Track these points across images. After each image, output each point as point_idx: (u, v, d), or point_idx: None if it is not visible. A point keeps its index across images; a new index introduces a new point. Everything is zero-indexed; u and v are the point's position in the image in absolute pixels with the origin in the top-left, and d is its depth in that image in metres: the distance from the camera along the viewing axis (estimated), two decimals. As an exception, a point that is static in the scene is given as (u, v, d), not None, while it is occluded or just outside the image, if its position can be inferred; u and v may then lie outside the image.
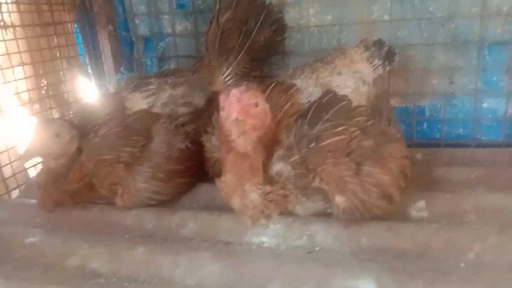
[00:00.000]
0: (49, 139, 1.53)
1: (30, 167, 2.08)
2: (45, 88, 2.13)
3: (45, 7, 2.08)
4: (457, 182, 1.64)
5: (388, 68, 1.90)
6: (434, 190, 1.57)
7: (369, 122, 1.41)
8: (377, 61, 1.86)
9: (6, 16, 1.89)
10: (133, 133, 1.61)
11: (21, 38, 1.95)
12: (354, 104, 1.51)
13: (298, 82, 1.62)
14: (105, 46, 2.40)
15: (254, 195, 1.38)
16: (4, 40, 1.87)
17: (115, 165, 1.56)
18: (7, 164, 1.92)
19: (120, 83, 1.96)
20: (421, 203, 1.48)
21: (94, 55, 2.45)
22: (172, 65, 2.41)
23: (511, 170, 1.70)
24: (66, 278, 1.27)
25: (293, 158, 1.37)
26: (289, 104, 1.50)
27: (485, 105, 2.07)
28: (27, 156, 1.54)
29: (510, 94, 2.00)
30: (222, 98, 1.28)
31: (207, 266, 1.22)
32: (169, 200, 1.64)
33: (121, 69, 2.40)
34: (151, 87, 1.82)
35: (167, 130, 1.66)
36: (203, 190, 1.69)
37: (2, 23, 1.86)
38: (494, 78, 2.03)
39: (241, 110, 1.24)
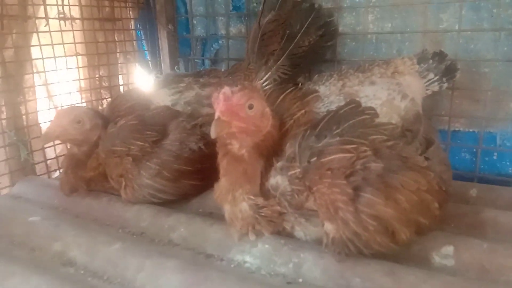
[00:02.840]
0: (69, 124, 1.58)
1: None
2: (98, 79, 2.22)
3: (106, 2, 2.19)
4: (509, 230, 1.31)
5: (445, 85, 1.64)
6: (472, 235, 1.27)
7: (389, 143, 1.18)
8: (432, 76, 1.62)
9: (66, 9, 2.01)
10: (148, 128, 1.58)
11: (78, 30, 2.06)
12: (380, 119, 1.29)
13: (322, 89, 1.44)
14: (164, 44, 2.45)
15: (244, 205, 1.25)
16: (61, 31, 1.99)
17: (124, 157, 1.54)
18: (50, 147, 2.03)
19: (159, 79, 1.97)
20: (449, 249, 1.20)
21: (153, 52, 2.52)
22: (223, 67, 2.36)
23: None
24: (42, 262, 1.27)
25: (292, 172, 1.21)
26: (302, 112, 1.34)
27: None
28: (45, 138, 1.61)
29: None
30: (213, 96, 1.17)
31: (169, 275, 1.12)
32: (176, 201, 1.58)
33: (175, 67, 2.42)
34: (181, 84, 1.80)
35: (183, 129, 1.60)
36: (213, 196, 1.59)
37: (62, 15, 1.99)
38: None
39: (226, 110, 1.12)
